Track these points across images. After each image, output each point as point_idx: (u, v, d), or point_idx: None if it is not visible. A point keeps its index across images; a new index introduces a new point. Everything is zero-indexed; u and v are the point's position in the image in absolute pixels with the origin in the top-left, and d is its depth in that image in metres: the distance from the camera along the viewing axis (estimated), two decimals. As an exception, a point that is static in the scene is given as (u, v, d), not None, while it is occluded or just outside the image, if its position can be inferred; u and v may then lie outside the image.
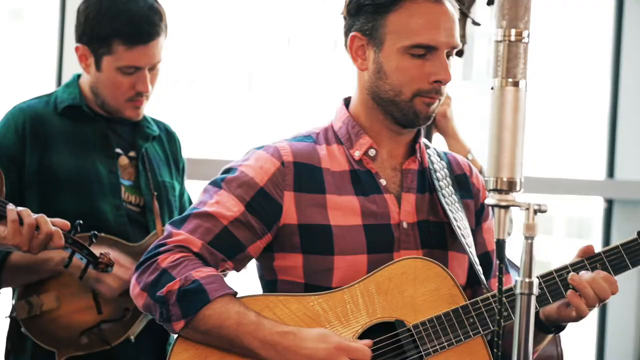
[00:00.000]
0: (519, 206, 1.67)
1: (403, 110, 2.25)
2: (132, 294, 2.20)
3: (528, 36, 1.67)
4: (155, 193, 2.81)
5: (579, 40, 5.14)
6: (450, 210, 2.30)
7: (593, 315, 4.75)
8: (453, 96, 3.27)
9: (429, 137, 3.14)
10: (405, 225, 2.26)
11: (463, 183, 2.37)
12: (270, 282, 2.28)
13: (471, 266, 2.29)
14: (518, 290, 1.66)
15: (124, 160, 2.82)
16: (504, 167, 1.66)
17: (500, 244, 1.68)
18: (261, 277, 2.32)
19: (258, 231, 2.21)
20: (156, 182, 2.83)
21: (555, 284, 2.22)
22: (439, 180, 2.32)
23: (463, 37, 3.30)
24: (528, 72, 1.68)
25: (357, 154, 2.28)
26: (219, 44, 4.68)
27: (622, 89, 4.80)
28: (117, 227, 2.74)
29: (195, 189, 2.30)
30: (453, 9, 2.25)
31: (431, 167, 2.33)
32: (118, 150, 2.81)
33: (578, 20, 5.15)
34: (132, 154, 2.83)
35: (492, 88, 1.68)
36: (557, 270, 2.23)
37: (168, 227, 2.23)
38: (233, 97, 4.92)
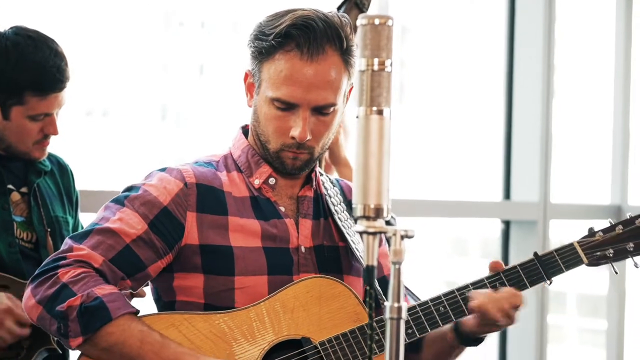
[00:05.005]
0: (386, 232, 1.68)
1: (272, 158, 2.29)
2: (26, 306, 2.16)
3: (391, 65, 1.70)
4: (49, 229, 2.79)
5: (472, 69, 5.21)
6: (348, 234, 2.33)
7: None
8: (351, 123, 3.27)
9: (319, 163, 3.14)
10: (303, 249, 2.29)
11: None
12: (168, 304, 2.27)
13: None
14: (387, 315, 1.67)
15: (16, 196, 2.78)
16: (370, 194, 1.67)
17: (370, 270, 1.68)
18: (157, 300, 2.32)
19: (160, 250, 2.22)
20: (49, 217, 2.80)
21: (457, 302, 2.27)
22: (334, 205, 2.35)
23: None
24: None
25: (256, 182, 2.31)
26: (132, 73, 4.67)
27: (515, 115, 4.88)
28: (11, 264, 2.70)
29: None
30: (338, 65, 2.23)
31: (326, 193, 2.36)
32: (10, 186, 2.78)
33: (471, 46, 5.21)
34: (24, 189, 2.80)
35: (357, 117, 1.70)
36: (459, 289, 2.29)
37: (68, 241, 2.20)
38: (146, 126, 4.90)
